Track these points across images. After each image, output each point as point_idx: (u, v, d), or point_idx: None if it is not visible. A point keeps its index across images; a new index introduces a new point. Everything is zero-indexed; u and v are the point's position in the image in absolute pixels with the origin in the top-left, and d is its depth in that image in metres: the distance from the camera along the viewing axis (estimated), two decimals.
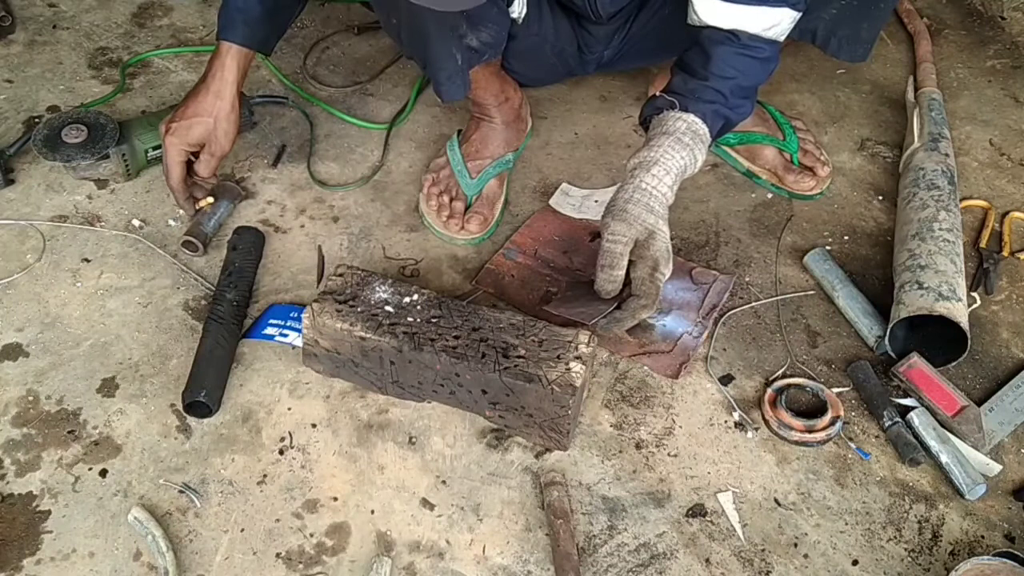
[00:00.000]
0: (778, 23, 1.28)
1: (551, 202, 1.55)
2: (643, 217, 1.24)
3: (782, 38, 1.31)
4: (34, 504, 1.17)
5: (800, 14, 1.29)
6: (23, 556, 1.12)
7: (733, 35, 1.29)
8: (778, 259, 1.49)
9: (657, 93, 1.33)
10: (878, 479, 1.23)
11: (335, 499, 1.19)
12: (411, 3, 1.04)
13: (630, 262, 1.27)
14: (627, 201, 1.25)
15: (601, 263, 1.26)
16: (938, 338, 1.31)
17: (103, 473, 1.20)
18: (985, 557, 1.12)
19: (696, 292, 1.42)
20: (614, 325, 1.28)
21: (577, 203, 1.55)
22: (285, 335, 1.34)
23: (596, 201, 1.56)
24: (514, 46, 1.47)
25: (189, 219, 1.48)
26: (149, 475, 1.20)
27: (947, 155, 1.54)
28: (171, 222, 1.50)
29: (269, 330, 1.34)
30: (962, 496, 1.20)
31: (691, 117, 1.28)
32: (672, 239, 1.50)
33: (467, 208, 1.50)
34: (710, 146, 1.32)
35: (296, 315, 1.35)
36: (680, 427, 1.27)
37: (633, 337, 1.36)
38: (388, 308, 1.24)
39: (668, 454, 1.25)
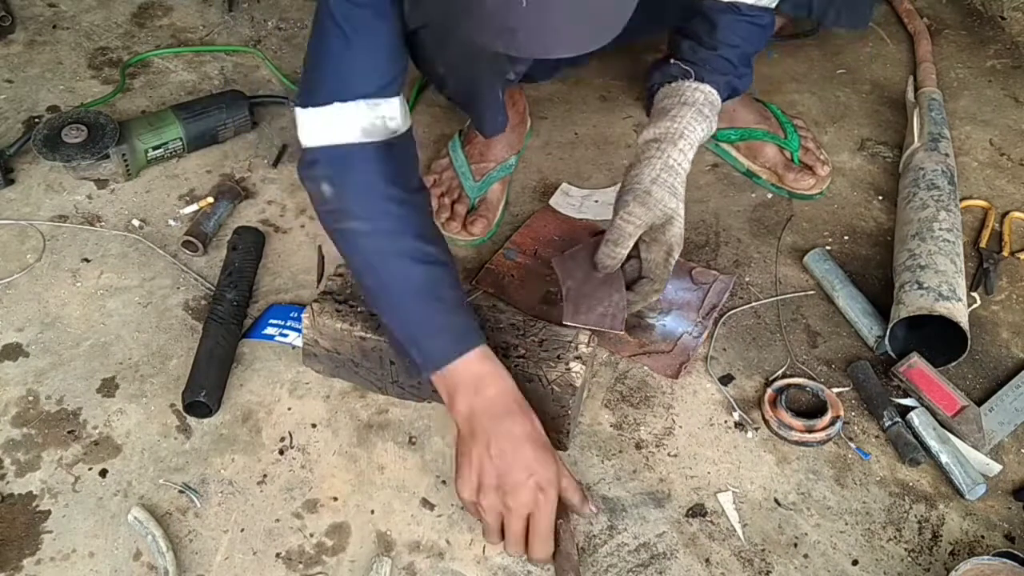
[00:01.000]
0: None
1: (551, 202, 1.55)
2: (665, 201, 1.19)
3: (774, 3, 1.30)
4: (34, 504, 1.17)
5: None
6: (23, 556, 1.12)
7: (733, 5, 1.27)
8: (778, 259, 1.49)
9: (672, 59, 1.29)
10: (878, 479, 1.23)
11: (335, 499, 1.19)
12: (463, 53, 0.99)
13: (643, 243, 1.24)
14: (653, 181, 1.19)
15: (608, 238, 1.22)
16: (938, 338, 1.31)
17: (103, 473, 1.20)
18: (985, 557, 1.12)
19: (696, 292, 1.42)
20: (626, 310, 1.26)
21: (577, 203, 1.55)
22: (285, 335, 1.34)
23: (596, 201, 1.56)
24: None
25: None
26: (149, 475, 1.20)
27: (947, 155, 1.54)
28: (171, 222, 1.50)
29: (269, 330, 1.34)
30: (962, 496, 1.20)
31: (707, 88, 1.25)
32: None
33: (469, 211, 1.50)
34: None
35: (296, 315, 1.35)
36: (680, 427, 1.27)
37: (633, 337, 1.36)
38: None
39: (668, 454, 1.25)
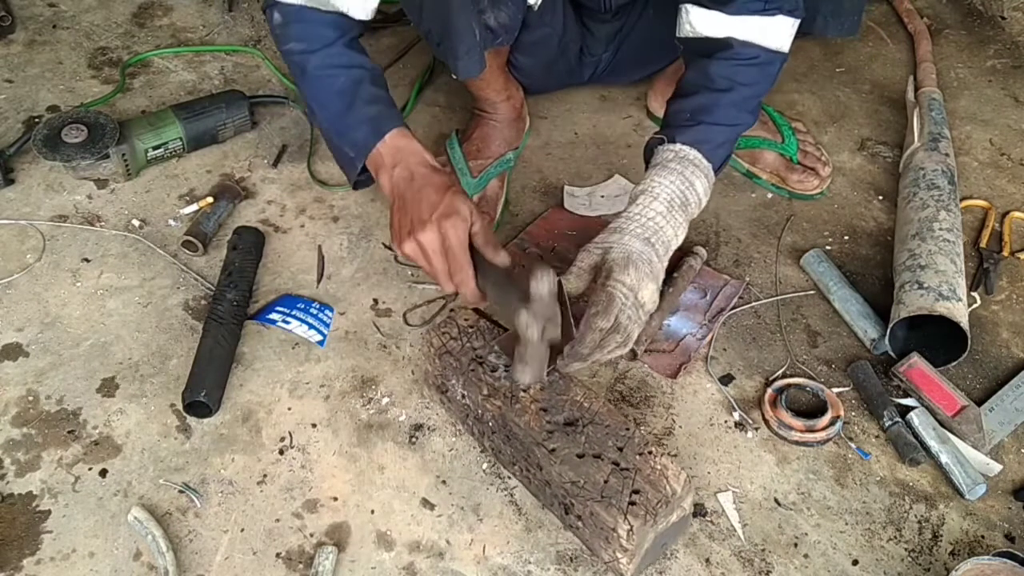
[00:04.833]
0: (774, 29, 1.26)
1: (565, 205, 1.55)
2: (601, 239, 1.20)
3: (785, 48, 1.28)
4: (34, 504, 1.17)
5: (799, 20, 1.27)
6: (23, 556, 1.12)
7: (726, 45, 1.26)
8: (778, 259, 1.49)
9: (657, 133, 1.30)
10: (878, 479, 1.23)
11: (335, 499, 1.19)
12: None
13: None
14: (601, 233, 1.21)
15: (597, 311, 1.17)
16: (938, 338, 1.31)
17: (103, 473, 1.20)
18: (985, 557, 1.12)
19: (705, 295, 1.42)
20: (573, 359, 1.17)
21: (586, 202, 1.56)
22: (288, 322, 1.36)
23: (602, 196, 1.57)
24: (525, 37, 1.45)
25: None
26: (149, 475, 1.20)
27: (947, 155, 1.54)
28: (171, 222, 1.50)
29: (273, 315, 1.37)
30: (962, 496, 1.20)
31: (677, 145, 1.25)
32: None
33: None
34: (723, 166, 1.28)
35: (304, 307, 1.38)
36: (680, 427, 1.27)
37: (641, 335, 1.34)
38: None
39: (668, 454, 1.24)
